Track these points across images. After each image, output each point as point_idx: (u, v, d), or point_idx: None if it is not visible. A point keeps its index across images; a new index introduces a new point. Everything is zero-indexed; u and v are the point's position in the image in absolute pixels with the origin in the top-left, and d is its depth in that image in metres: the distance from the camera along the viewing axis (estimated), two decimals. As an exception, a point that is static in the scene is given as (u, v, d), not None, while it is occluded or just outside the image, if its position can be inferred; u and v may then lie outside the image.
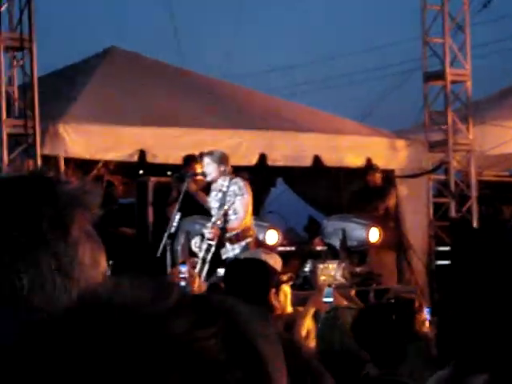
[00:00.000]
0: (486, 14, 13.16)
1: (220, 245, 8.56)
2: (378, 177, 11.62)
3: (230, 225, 8.57)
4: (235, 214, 8.54)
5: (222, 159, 8.58)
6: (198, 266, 8.45)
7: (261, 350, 0.84)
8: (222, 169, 8.53)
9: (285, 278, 4.16)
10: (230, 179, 8.54)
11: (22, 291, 1.34)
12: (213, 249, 8.55)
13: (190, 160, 9.76)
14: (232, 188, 8.52)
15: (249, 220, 8.61)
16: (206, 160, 8.67)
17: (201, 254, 8.60)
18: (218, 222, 8.58)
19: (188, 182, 9.20)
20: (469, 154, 12.56)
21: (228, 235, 8.55)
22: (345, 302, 5.18)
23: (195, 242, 8.78)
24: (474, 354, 3.60)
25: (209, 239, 8.57)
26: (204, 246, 8.61)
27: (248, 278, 3.95)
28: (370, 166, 11.59)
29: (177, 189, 9.57)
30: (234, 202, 8.51)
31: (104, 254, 1.48)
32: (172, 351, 0.80)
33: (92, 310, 0.82)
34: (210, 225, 8.64)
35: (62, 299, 1.35)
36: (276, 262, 4.56)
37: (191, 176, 9.32)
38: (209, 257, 8.57)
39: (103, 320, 0.81)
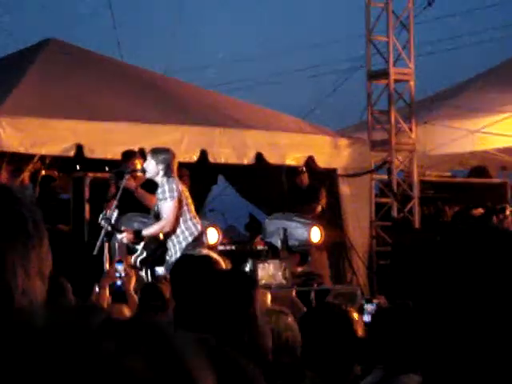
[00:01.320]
0: (430, 11, 13.12)
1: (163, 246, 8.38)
2: (305, 177, 11.57)
3: (151, 229, 8.42)
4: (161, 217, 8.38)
5: (164, 159, 8.37)
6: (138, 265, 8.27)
7: (189, 368, 0.87)
8: (160, 168, 8.33)
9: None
10: (162, 181, 8.34)
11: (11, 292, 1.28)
12: (141, 253, 8.39)
13: (129, 155, 9.52)
14: (159, 190, 8.34)
15: (176, 223, 8.37)
16: (148, 157, 8.48)
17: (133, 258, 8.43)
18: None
19: (126, 179, 8.97)
20: (411, 154, 12.52)
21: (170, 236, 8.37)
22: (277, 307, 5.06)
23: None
24: (407, 353, 3.49)
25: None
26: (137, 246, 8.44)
27: (198, 275, 3.78)
28: (295, 168, 11.51)
29: (115, 185, 9.33)
30: (158, 205, 8.35)
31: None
32: (99, 371, 0.83)
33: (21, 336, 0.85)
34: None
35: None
36: (225, 264, 4.43)
37: (130, 172, 9.09)
38: (138, 261, 8.38)
39: (32, 344, 0.84)
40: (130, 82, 11.42)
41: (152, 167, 8.39)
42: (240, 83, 20.56)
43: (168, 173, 8.36)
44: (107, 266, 8.52)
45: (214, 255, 3.99)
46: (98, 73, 11.40)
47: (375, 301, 6.49)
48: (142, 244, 8.68)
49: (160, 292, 6.06)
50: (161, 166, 8.35)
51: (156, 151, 8.52)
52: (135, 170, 9.12)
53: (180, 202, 8.34)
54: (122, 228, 8.67)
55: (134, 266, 8.32)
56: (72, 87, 10.80)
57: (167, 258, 8.38)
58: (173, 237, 8.38)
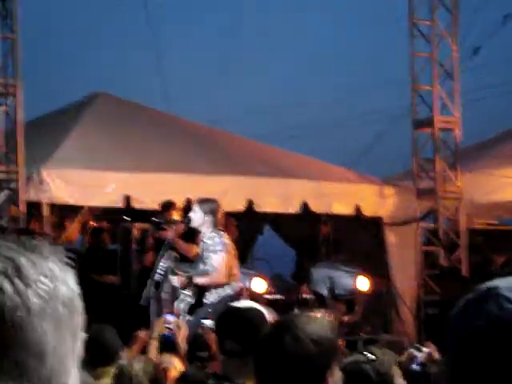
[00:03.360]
0: (475, 59, 13.14)
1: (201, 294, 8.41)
2: (321, 227, 11.69)
3: (202, 279, 8.45)
4: (207, 268, 8.40)
5: (211, 209, 8.45)
6: (182, 317, 8.29)
7: None
8: (207, 218, 8.40)
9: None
10: (212, 232, 8.40)
11: None
12: (187, 299, 8.41)
13: (167, 206, 9.62)
14: (209, 242, 8.38)
15: (225, 276, 8.41)
16: (195, 207, 8.56)
17: (176, 303, 8.48)
18: (191, 272, 8.46)
19: (162, 229, 9.07)
20: (457, 202, 12.47)
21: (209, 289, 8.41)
22: None
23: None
24: None
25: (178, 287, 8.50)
26: (181, 296, 8.47)
27: (246, 326, 3.80)
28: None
29: (152, 236, 9.43)
30: (207, 256, 8.38)
31: None
32: None
33: None
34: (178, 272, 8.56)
35: None
36: (271, 315, 4.43)
37: (166, 223, 9.18)
38: (182, 306, 8.42)
39: None
40: (177, 134, 11.58)
41: (198, 217, 8.45)
42: (287, 132, 20.67)
43: (214, 223, 8.42)
44: (153, 316, 8.58)
45: (261, 308, 4.01)
46: (145, 125, 11.58)
47: (425, 349, 6.36)
48: (191, 291, 8.72)
49: (207, 343, 6.09)
50: (207, 217, 8.42)
51: (203, 201, 8.59)
52: (171, 221, 9.19)
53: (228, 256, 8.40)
54: (177, 270, 8.69)
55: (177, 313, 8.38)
56: (120, 139, 10.97)
57: (205, 308, 8.40)
58: (212, 288, 8.40)
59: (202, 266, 8.45)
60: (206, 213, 8.43)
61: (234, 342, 3.75)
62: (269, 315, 3.99)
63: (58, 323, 1.15)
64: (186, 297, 8.58)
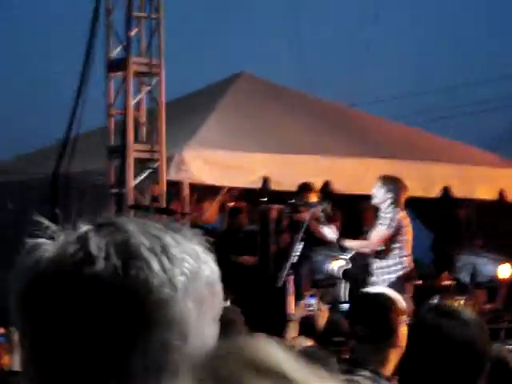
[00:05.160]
0: None
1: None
2: (462, 212, 11.39)
3: (352, 243, 8.53)
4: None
5: (394, 188, 8.46)
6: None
7: None
8: (389, 196, 8.41)
9: (404, 318, 3.94)
10: (387, 208, 8.42)
11: None
12: (343, 263, 8.53)
13: (305, 188, 9.56)
14: (382, 215, 8.41)
15: (391, 253, 8.40)
16: (378, 183, 8.57)
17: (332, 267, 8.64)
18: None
19: (298, 212, 9.05)
20: None
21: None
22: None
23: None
24: None
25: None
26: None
27: (381, 312, 3.76)
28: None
29: (287, 218, 9.41)
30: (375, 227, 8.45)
31: None
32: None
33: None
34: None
35: None
36: (406, 304, 4.37)
37: (303, 205, 9.15)
38: (335, 268, 8.54)
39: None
40: (317, 116, 11.50)
41: (381, 194, 8.48)
42: (425, 115, 20.29)
43: (395, 203, 8.43)
44: (291, 298, 8.56)
45: (392, 294, 3.93)
46: (286, 106, 11.55)
47: None
48: (350, 255, 8.78)
49: (343, 328, 6.01)
50: (389, 195, 8.45)
51: (387, 179, 8.62)
52: (308, 204, 9.15)
53: (396, 235, 8.37)
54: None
55: (332, 276, 8.52)
56: (261, 120, 10.99)
57: (370, 283, 8.37)
58: (384, 265, 8.38)
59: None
60: (388, 191, 8.44)
61: (365, 327, 3.70)
62: (402, 302, 3.91)
63: (201, 304, 1.16)
64: (343, 261, 8.65)
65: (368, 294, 3.93)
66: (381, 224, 8.42)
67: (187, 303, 1.14)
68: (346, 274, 8.91)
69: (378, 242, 8.39)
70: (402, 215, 8.47)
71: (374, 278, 8.38)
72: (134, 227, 1.19)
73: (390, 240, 8.38)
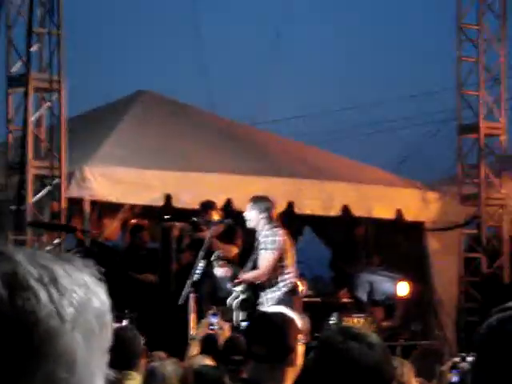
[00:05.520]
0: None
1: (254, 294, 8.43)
2: (360, 230, 11.65)
3: (247, 275, 8.47)
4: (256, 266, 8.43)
5: (266, 207, 8.46)
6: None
7: None
8: (262, 216, 8.41)
9: (301, 337, 3.99)
10: (269, 229, 8.41)
11: None
12: (239, 295, 8.42)
13: (207, 206, 9.61)
14: (264, 239, 8.39)
15: (271, 273, 8.41)
16: (249, 206, 8.56)
17: (229, 300, 8.49)
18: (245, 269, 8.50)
19: (200, 230, 9.08)
20: (501, 209, 12.31)
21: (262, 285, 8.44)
22: None
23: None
24: None
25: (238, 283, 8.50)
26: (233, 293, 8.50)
27: (276, 332, 3.79)
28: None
29: (189, 235, 9.43)
30: (258, 254, 8.40)
31: None
32: None
33: None
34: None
35: None
36: (304, 323, 4.41)
37: (204, 223, 9.18)
38: (234, 303, 8.43)
39: None
40: (219, 134, 11.57)
41: (254, 216, 8.47)
42: (328, 135, 20.57)
43: (270, 222, 8.44)
44: (192, 316, 8.57)
45: (289, 313, 3.98)
46: (188, 124, 11.59)
47: (470, 358, 6.04)
48: (241, 287, 8.74)
49: (243, 346, 6.04)
50: (263, 215, 8.44)
51: (257, 200, 8.60)
52: (210, 222, 9.17)
53: (281, 254, 8.40)
54: (220, 263, 8.71)
55: (228, 308, 8.43)
56: (163, 138, 10.99)
57: (259, 303, 8.41)
58: (266, 286, 8.42)
59: (250, 264, 8.50)
60: (260, 211, 8.45)
61: (262, 346, 3.73)
62: (298, 321, 3.96)
63: (90, 335, 1.14)
64: (239, 293, 8.59)
65: (265, 314, 3.96)
66: (265, 249, 8.38)
67: (75, 335, 1.13)
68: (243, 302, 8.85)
69: (268, 268, 8.37)
70: (281, 233, 8.50)
71: (261, 299, 8.42)
72: (22, 257, 1.15)
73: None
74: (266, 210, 8.43)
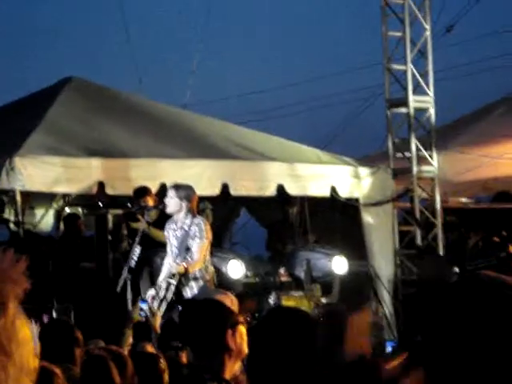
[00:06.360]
0: (449, 37, 13.10)
1: (180, 284, 8.37)
2: (295, 209, 11.79)
3: (189, 265, 8.42)
4: (191, 256, 8.37)
5: (187, 196, 8.41)
6: (156, 303, 8.23)
7: None
8: (184, 205, 8.36)
9: (241, 318, 3.99)
10: (192, 218, 8.36)
11: None
12: (172, 287, 8.35)
13: (141, 192, 9.56)
14: (193, 228, 8.34)
15: (202, 263, 8.40)
16: (170, 193, 8.50)
17: (161, 293, 8.39)
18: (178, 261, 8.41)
19: (135, 220, 9.03)
20: (433, 182, 12.47)
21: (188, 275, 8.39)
22: None
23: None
24: None
25: (173, 275, 8.39)
26: (163, 285, 8.41)
27: (203, 319, 3.80)
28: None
29: (124, 222, 9.38)
30: (192, 244, 8.35)
31: (32, 329, 1.40)
32: None
33: None
34: (173, 262, 8.46)
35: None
36: (232, 303, 4.41)
37: (139, 210, 9.14)
38: (169, 295, 8.36)
39: None
40: (149, 119, 11.49)
41: (174, 203, 8.41)
42: (256, 115, 20.56)
43: (191, 210, 8.40)
44: (130, 302, 8.53)
45: (219, 296, 3.99)
46: (118, 110, 11.49)
47: None
48: (176, 280, 8.65)
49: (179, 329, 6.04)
50: (184, 203, 8.39)
51: (178, 187, 8.55)
52: (146, 208, 9.13)
53: (210, 242, 8.40)
54: (172, 262, 8.61)
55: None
56: (93, 125, 10.88)
57: (184, 294, 8.37)
58: (190, 276, 8.37)
59: (184, 254, 8.42)
60: (181, 198, 8.39)
61: (194, 335, 3.75)
62: (231, 304, 3.97)
63: None
64: (171, 285, 8.53)
65: (195, 301, 3.97)
66: (200, 237, 8.32)
67: None
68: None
69: (201, 256, 8.37)
70: (205, 221, 8.53)
71: (186, 289, 8.37)
72: None
73: None
74: (187, 198, 8.39)
